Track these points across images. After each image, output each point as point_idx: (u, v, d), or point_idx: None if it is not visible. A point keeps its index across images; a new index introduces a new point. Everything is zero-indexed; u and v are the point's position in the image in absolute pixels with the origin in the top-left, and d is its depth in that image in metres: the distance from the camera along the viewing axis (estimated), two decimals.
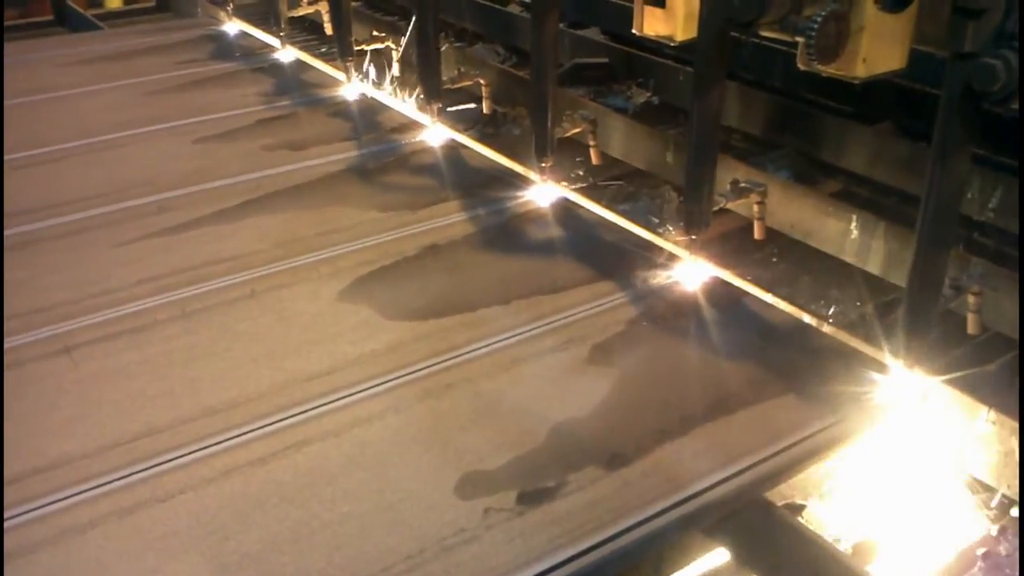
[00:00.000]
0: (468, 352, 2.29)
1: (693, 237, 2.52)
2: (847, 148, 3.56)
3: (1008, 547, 2.07)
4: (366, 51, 3.94)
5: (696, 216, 2.50)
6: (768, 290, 2.57)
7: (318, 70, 4.21)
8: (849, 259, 3.05)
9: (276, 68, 4.24)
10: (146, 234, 2.84)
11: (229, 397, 2.14)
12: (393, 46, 3.96)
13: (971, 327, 2.37)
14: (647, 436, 2.01)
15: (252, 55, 4.38)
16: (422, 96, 3.45)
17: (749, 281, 2.61)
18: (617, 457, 1.95)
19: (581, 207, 2.98)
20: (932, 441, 2.15)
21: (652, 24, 2.64)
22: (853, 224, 3.04)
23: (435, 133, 3.48)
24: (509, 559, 1.71)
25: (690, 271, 2.57)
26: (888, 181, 3.40)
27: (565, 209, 2.97)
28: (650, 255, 2.68)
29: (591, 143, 3.32)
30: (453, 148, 3.42)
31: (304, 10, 4.37)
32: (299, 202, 3.04)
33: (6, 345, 2.31)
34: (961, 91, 1.81)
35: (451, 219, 2.91)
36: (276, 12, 4.27)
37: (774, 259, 3.27)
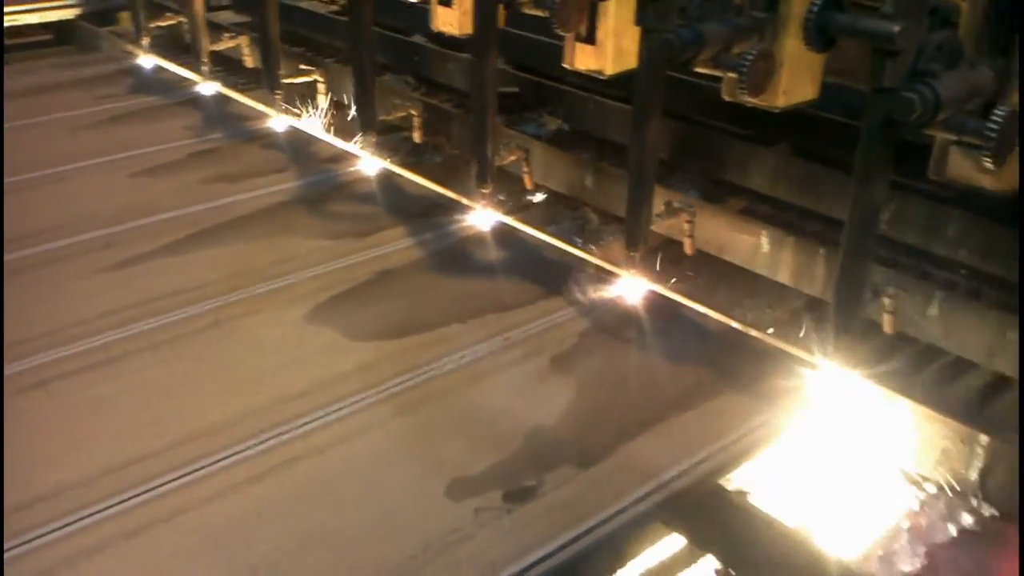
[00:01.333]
0: (434, 369, 2.44)
1: (633, 254, 2.74)
2: (750, 169, 3.86)
3: (927, 520, 2.33)
4: (293, 84, 4.04)
5: (636, 234, 2.72)
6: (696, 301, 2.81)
7: (241, 103, 4.29)
8: (761, 271, 3.33)
9: (199, 102, 4.30)
10: (98, 269, 2.89)
11: (212, 421, 2.24)
12: (320, 79, 4.08)
13: (887, 327, 2.65)
14: (611, 436, 2.20)
15: (173, 89, 4.43)
16: (359, 128, 3.57)
17: (680, 294, 2.84)
18: (587, 456, 2.13)
19: (519, 230, 3.17)
20: (858, 429, 2.41)
21: (583, 59, 2.86)
22: (764, 239, 3.32)
23: (369, 163, 3.62)
24: (505, 552, 1.87)
25: (630, 286, 2.78)
26: (788, 198, 3.69)
27: (505, 232, 3.15)
28: (590, 273, 2.88)
29: (525, 170, 3.51)
30: (388, 177, 3.57)
31: (226, 44, 4.45)
32: (245, 233, 3.13)
33: None
34: (880, 121, 2.07)
35: (398, 245, 3.06)
36: (198, 46, 4.32)
37: (690, 273, 3.53)
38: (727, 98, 2.53)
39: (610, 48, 2.77)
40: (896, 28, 1.96)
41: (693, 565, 2.05)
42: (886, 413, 2.42)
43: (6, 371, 2.38)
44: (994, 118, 1.99)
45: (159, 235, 3.09)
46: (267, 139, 3.89)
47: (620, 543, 1.95)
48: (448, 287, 2.84)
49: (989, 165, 2.04)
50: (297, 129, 3.98)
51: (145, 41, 4.75)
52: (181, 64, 4.67)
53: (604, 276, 2.85)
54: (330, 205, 3.36)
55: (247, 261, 2.95)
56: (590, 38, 2.79)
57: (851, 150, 3.22)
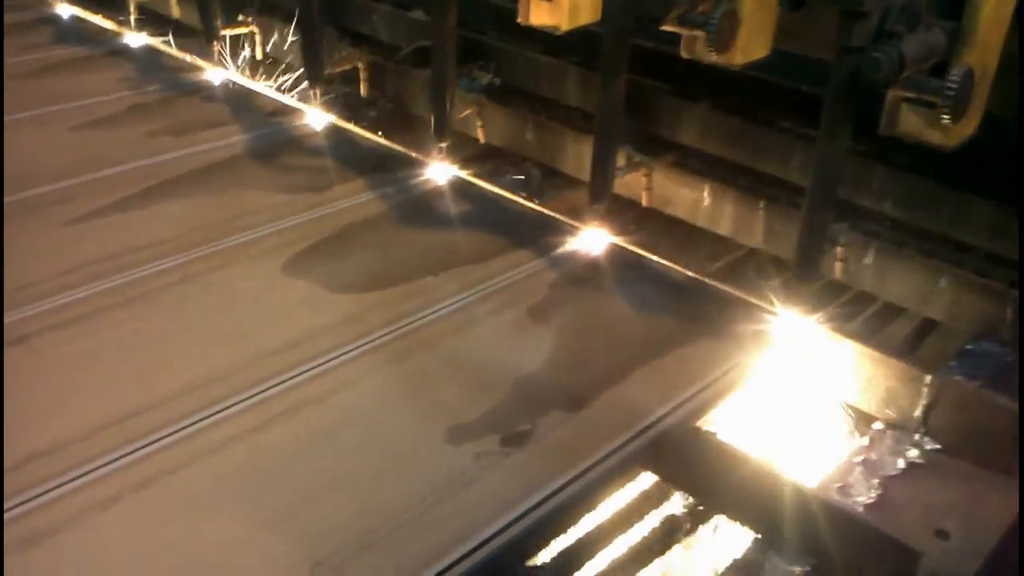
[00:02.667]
0: (418, 319, 2.49)
1: (597, 207, 2.84)
2: (680, 124, 3.97)
3: (878, 454, 2.52)
4: (229, 36, 3.97)
5: (602, 188, 2.81)
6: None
7: (173, 55, 4.18)
8: (702, 223, 3.47)
9: (129, 53, 4.17)
10: (55, 224, 2.82)
11: (202, 374, 2.25)
12: (256, 31, 4.02)
13: (837, 273, 2.83)
14: (596, 380, 2.30)
15: (99, 40, 4.28)
16: (306, 80, 3.55)
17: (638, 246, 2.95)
18: (576, 400, 2.23)
19: (476, 184, 3.22)
20: (813, 371, 2.58)
21: (538, 15, 2.90)
22: (705, 193, 3.47)
23: (316, 116, 3.60)
24: (510, 493, 1.96)
25: (592, 238, 2.87)
26: (719, 153, 3.81)
27: (463, 186, 3.20)
28: (553, 226, 2.96)
29: (479, 124, 3.55)
30: (336, 130, 3.56)
31: None
32: (200, 188, 3.10)
33: None
34: (846, 79, 2.20)
35: (358, 199, 3.08)
36: None
37: (631, 226, 3.65)
38: (685, 55, 2.64)
39: (566, 4, 2.84)
40: None
41: (665, 502, 2.19)
42: (838, 356, 2.59)
43: None
44: (953, 77, 2.15)
45: (112, 190, 3.03)
46: (207, 92, 3.83)
47: (609, 482, 2.06)
48: (417, 241, 2.88)
49: (947, 121, 2.20)
50: (235, 82, 3.92)
51: None
52: (101, 15, 4.51)
53: (568, 229, 2.94)
54: (282, 159, 3.34)
55: (207, 215, 2.93)
56: None
57: (768, 105, 3.42)
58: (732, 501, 2.19)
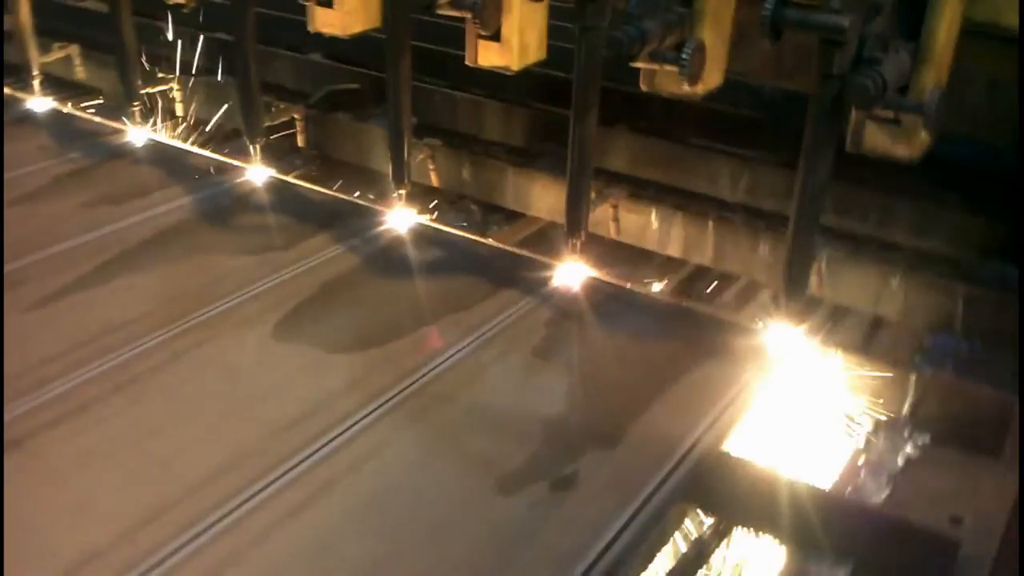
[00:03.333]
0: (426, 374, 2.46)
1: (575, 242, 2.87)
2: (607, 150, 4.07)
3: (876, 454, 2.64)
4: (150, 93, 3.83)
5: (577, 223, 2.85)
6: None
7: (84, 119, 3.99)
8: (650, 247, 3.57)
9: (37, 119, 3.96)
10: (17, 310, 2.65)
11: (222, 460, 2.15)
12: (177, 87, 3.89)
13: (815, 288, 2.95)
14: (621, 414, 2.33)
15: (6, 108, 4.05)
16: (245, 135, 3.45)
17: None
18: (608, 437, 2.26)
19: (439, 229, 3.21)
20: (805, 382, 2.68)
21: (486, 56, 2.94)
22: (653, 216, 3.57)
23: (256, 172, 3.51)
24: (576, 541, 1.96)
25: (570, 273, 2.90)
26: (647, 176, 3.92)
27: (426, 232, 3.17)
28: (527, 264, 2.98)
29: (431, 168, 3.54)
30: (281, 185, 3.48)
31: (56, 55, 4.12)
32: (159, 257, 2.98)
33: None
34: (828, 104, 2.31)
35: (327, 254, 3.02)
36: (28, 58, 3.98)
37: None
38: (645, 88, 2.72)
39: (516, 45, 2.88)
40: (846, 22, 2.21)
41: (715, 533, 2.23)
42: (826, 364, 2.71)
43: None
44: (930, 99, 2.29)
45: (66, 268, 2.87)
46: (133, 156, 3.67)
47: (663, 518, 2.09)
48: (397, 292, 2.85)
49: (925, 137, 2.34)
50: (159, 143, 3.77)
51: None
52: None
53: (543, 265, 2.95)
54: (235, 219, 3.25)
55: (176, 286, 2.82)
56: (495, 36, 2.88)
57: (678, 126, 3.68)
58: (766, 517, 2.25)
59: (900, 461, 2.62)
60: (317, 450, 2.18)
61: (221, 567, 1.87)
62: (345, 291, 2.83)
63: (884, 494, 2.52)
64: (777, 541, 2.24)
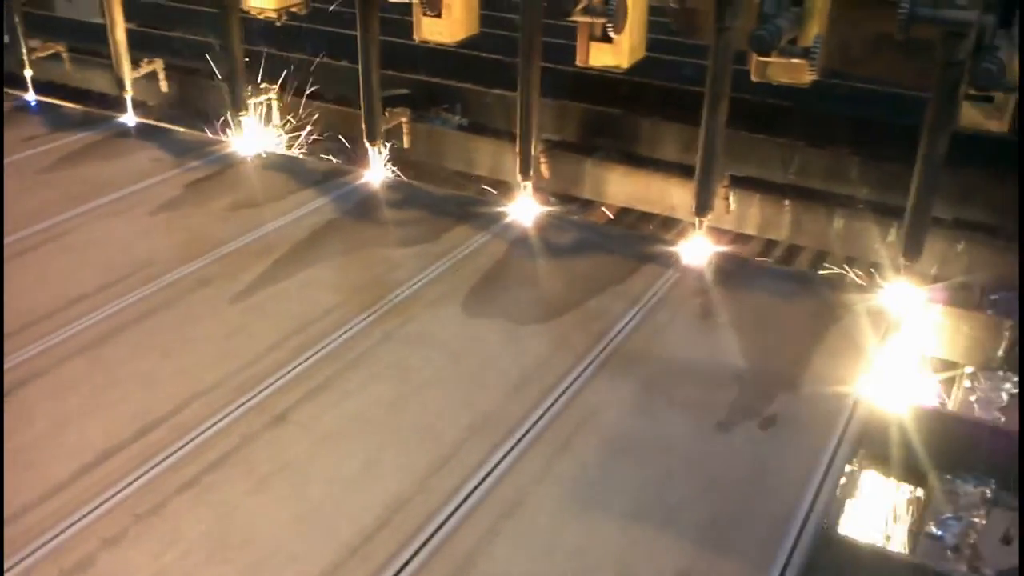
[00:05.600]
0: (614, 337, 2.79)
1: (701, 218, 3.23)
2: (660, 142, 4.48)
3: (982, 391, 3.04)
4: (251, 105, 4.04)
5: (705, 201, 3.21)
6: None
7: (183, 131, 4.20)
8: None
9: (135, 133, 4.16)
10: (221, 302, 2.89)
11: (473, 421, 2.46)
12: (275, 96, 4.11)
13: None
14: (790, 362, 2.71)
15: (93, 124, 4.21)
16: (366, 139, 3.71)
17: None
18: (788, 380, 2.62)
19: (564, 218, 3.53)
20: (927, 334, 3.08)
21: (598, 56, 3.31)
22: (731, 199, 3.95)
23: (373, 174, 3.78)
24: (803, 464, 2.31)
25: (698, 251, 3.26)
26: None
27: (551, 222, 3.49)
28: (650, 241, 3.32)
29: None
30: (399, 185, 3.76)
31: (145, 69, 4.30)
32: (324, 253, 3.23)
33: None
34: (950, 88, 2.72)
35: (472, 244, 3.31)
36: (119, 73, 4.16)
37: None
38: (756, 79, 3.11)
39: (626, 44, 3.25)
40: (972, 16, 2.62)
41: None
42: (929, 318, 3.12)
43: None
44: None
45: (245, 266, 3.13)
46: (248, 164, 3.90)
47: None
48: (551, 271, 3.18)
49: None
50: (270, 152, 4.01)
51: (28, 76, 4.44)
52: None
53: (671, 244, 3.31)
54: (375, 217, 3.52)
55: (356, 277, 3.10)
56: (606, 38, 3.24)
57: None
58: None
59: (1004, 397, 3.05)
60: (549, 407, 2.49)
61: (511, 508, 2.17)
62: (504, 275, 3.12)
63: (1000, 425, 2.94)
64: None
